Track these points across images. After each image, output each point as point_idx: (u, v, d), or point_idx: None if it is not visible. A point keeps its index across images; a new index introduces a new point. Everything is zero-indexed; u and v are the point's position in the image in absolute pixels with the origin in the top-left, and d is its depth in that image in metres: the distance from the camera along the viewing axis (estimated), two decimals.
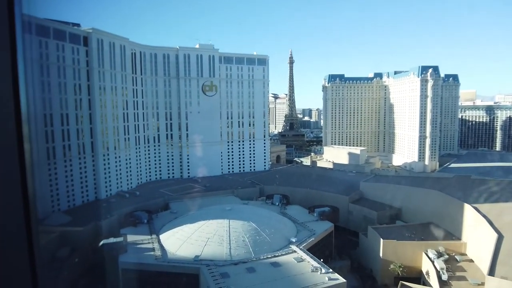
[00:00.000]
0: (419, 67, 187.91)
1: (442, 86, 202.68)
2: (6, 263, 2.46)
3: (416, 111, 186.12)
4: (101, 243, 77.63)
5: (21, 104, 2.45)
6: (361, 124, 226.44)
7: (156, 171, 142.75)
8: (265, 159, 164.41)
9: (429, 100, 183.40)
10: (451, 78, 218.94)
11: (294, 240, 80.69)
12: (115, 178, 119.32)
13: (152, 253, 75.51)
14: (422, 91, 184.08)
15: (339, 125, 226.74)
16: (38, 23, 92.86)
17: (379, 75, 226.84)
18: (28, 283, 2.63)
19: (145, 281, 72.15)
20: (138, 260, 73.01)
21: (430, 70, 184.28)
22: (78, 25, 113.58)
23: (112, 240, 77.34)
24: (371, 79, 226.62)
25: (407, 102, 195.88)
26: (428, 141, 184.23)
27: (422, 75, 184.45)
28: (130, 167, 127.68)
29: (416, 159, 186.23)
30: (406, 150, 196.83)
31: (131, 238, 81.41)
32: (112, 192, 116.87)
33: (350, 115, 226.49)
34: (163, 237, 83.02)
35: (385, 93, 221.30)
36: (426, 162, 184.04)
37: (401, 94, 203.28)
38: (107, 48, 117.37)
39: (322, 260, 71.99)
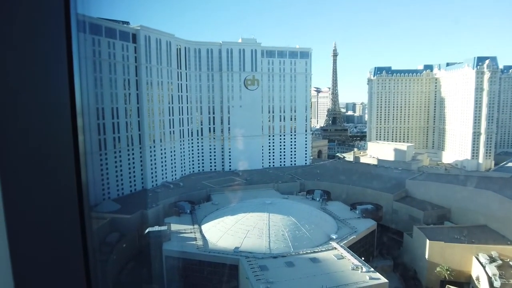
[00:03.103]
0: (474, 58, 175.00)
1: (501, 78, 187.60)
2: (61, 246, 2.69)
3: (470, 106, 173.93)
4: (146, 230, 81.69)
5: (76, 98, 2.62)
6: (408, 119, 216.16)
7: (199, 163, 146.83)
8: (306, 153, 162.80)
9: (485, 93, 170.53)
10: (511, 70, 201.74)
11: (334, 237, 79.46)
12: (161, 170, 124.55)
13: (194, 242, 78.16)
14: (478, 84, 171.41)
15: (385, 120, 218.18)
16: (91, 22, 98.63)
17: (429, 67, 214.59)
18: (81, 265, 2.83)
19: (187, 269, 75.01)
20: (181, 248, 75.96)
21: (487, 61, 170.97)
22: (127, 23, 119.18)
23: (157, 228, 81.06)
24: (421, 71, 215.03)
25: (460, 95, 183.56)
26: (482, 137, 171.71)
27: (478, 67, 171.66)
28: (175, 159, 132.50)
29: (468, 156, 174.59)
30: (457, 147, 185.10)
31: (174, 227, 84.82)
32: (157, 182, 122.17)
33: (397, 110, 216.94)
34: (205, 227, 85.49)
35: (436, 86, 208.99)
36: (480, 160, 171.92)
37: (454, 87, 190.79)
38: (154, 44, 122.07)
39: (363, 258, 70.29)
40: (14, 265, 2.61)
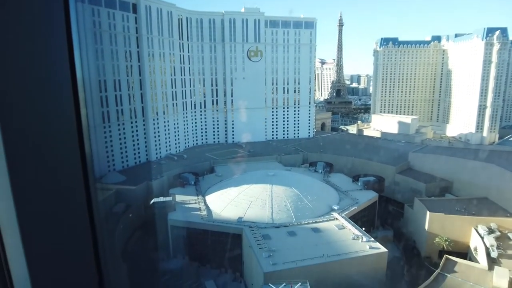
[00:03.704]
0: (484, 29, 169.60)
1: (510, 50, 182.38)
2: (68, 217, 2.77)
3: (477, 78, 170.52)
4: (152, 201, 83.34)
5: (76, 71, 2.61)
6: (413, 92, 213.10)
7: (202, 135, 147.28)
8: (309, 126, 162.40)
9: (493, 66, 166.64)
10: None
11: (336, 208, 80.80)
12: (164, 142, 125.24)
13: (198, 212, 79.90)
14: (486, 56, 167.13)
15: (390, 92, 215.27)
16: None
17: (437, 38, 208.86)
18: (89, 235, 2.93)
19: (192, 238, 77.17)
20: (185, 218, 77.82)
21: (497, 32, 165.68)
22: None
23: (162, 199, 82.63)
24: (428, 42, 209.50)
25: (467, 68, 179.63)
26: (488, 111, 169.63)
27: (487, 38, 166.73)
28: (178, 131, 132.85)
29: (473, 130, 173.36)
30: (462, 120, 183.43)
31: (179, 198, 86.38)
32: (161, 154, 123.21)
33: (402, 82, 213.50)
34: (209, 198, 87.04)
35: (443, 58, 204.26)
36: (485, 134, 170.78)
37: (462, 59, 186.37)
38: (154, 14, 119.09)
39: (364, 229, 71.74)
40: (24, 239, 2.69)
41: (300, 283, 53.72)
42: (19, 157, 2.20)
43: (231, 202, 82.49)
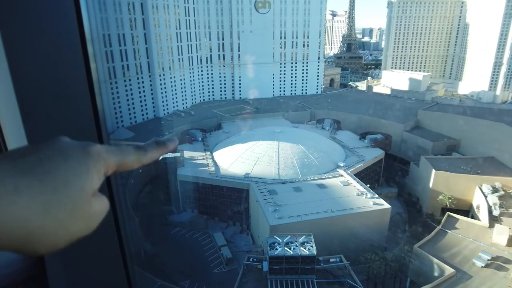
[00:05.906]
0: None
1: None
2: None
3: (496, 33, 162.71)
4: (161, 157, 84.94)
5: (83, 23, 2.52)
6: (427, 47, 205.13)
7: (209, 91, 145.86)
8: (318, 82, 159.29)
9: None
10: None
11: (342, 165, 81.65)
12: (171, 98, 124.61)
13: (206, 168, 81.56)
14: (507, 9, 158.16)
15: (402, 47, 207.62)
16: None
17: None
18: (105, 188, 3.01)
19: (200, 192, 79.54)
20: (194, 174, 79.68)
21: None
22: None
23: (170, 155, 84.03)
24: None
25: (486, 21, 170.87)
26: (504, 68, 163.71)
27: None
28: (185, 87, 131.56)
29: (486, 88, 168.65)
30: (476, 78, 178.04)
31: (187, 154, 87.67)
32: (169, 111, 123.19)
33: (416, 36, 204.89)
34: (216, 154, 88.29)
35: (461, 10, 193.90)
36: (498, 92, 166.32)
37: (481, 12, 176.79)
38: None
39: (368, 185, 72.92)
40: None
41: (304, 236, 55.90)
42: (34, 116, 2.21)
43: (238, 158, 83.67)
